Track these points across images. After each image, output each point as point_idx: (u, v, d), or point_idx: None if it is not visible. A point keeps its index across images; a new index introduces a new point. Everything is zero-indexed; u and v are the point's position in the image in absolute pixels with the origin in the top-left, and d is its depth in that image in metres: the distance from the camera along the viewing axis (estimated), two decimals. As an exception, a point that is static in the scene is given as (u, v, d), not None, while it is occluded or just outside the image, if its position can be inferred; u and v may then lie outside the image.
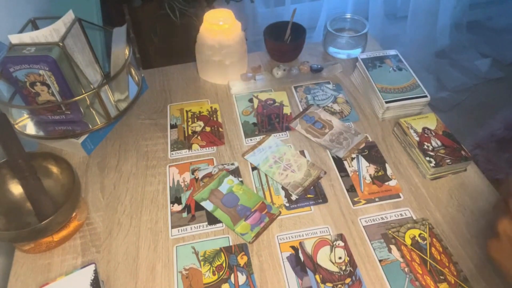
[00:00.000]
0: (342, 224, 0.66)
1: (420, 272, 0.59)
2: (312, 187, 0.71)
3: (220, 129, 0.83)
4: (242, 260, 0.61)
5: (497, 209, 0.45)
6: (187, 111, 0.87)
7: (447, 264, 0.60)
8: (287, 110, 0.86)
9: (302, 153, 0.77)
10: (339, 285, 0.58)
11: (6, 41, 0.69)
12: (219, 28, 0.86)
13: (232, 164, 0.76)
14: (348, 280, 0.59)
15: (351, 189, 0.71)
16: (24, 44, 0.68)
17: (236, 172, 0.74)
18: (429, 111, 0.82)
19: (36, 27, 0.76)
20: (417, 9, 1.94)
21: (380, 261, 0.61)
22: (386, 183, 0.71)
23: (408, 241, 0.63)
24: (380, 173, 0.73)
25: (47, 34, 0.70)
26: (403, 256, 0.61)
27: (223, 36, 0.86)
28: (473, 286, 0.58)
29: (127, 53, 0.78)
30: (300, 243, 0.63)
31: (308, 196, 0.70)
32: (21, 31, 0.73)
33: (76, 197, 0.62)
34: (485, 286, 0.58)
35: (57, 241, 0.63)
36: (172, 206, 0.69)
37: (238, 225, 0.65)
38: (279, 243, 0.63)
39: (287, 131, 0.82)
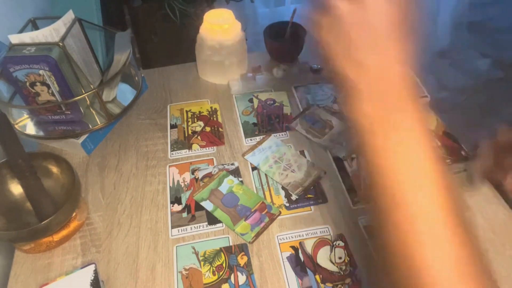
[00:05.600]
0: (342, 224, 0.66)
1: (420, 272, 0.59)
2: (312, 187, 0.71)
3: (220, 129, 0.83)
4: (242, 260, 0.61)
5: None
6: (187, 111, 0.87)
7: (447, 264, 0.60)
8: (287, 110, 0.86)
9: (302, 153, 0.77)
10: (339, 285, 0.58)
11: (6, 41, 0.69)
12: (219, 28, 0.86)
13: (232, 164, 0.76)
14: (348, 280, 0.59)
15: (351, 189, 0.71)
16: (24, 44, 0.68)
17: (236, 172, 0.74)
18: (429, 111, 0.82)
19: (36, 27, 0.76)
20: (417, 9, 1.94)
21: (380, 261, 0.61)
22: (386, 183, 0.71)
23: (408, 241, 0.63)
24: (380, 173, 0.73)
25: (47, 34, 0.70)
26: (403, 256, 0.61)
27: (223, 36, 0.86)
28: (473, 286, 0.57)
29: (128, 57, 0.78)
30: (300, 243, 0.63)
31: (308, 196, 0.70)
32: (21, 31, 0.73)
33: (76, 197, 0.62)
34: (485, 286, 0.58)
35: (57, 241, 0.63)
36: (172, 206, 0.69)
37: (238, 225, 0.65)
38: (279, 243, 0.63)
39: (287, 131, 0.82)
